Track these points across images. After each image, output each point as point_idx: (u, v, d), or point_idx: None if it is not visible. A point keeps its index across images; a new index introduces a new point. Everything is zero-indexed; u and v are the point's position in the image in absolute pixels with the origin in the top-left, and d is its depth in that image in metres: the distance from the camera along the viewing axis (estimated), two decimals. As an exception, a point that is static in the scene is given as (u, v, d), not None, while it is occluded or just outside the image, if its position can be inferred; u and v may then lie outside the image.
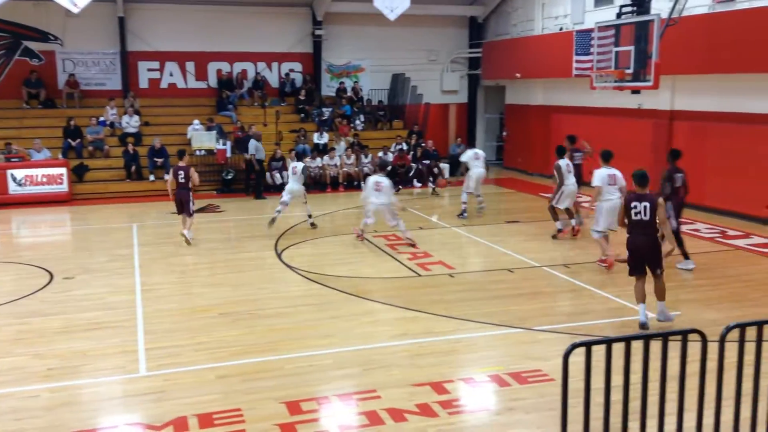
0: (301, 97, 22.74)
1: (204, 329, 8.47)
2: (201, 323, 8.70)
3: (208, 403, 6.39)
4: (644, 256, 8.26)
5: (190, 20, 22.50)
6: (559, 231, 13.29)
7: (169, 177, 13.54)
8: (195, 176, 13.18)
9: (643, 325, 8.16)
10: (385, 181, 12.80)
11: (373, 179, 12.96)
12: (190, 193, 13.15)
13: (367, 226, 13.09)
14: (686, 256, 10.93)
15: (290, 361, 7.42)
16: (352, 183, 20.27)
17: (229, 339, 8.13)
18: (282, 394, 6.55)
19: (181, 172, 13.08)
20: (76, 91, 21.38)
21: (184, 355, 7.66)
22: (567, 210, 13.24)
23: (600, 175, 10.88)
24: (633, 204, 8.18)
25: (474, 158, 15.45)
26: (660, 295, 8.31)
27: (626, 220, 8.31)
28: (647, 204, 8.08)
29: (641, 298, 8.29)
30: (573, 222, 13.31)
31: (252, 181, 19.12)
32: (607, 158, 11.13)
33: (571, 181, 12.90)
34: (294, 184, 14.41)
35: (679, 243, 10.55)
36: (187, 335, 8.27)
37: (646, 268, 8.31)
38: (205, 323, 8.70)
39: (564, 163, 12.97)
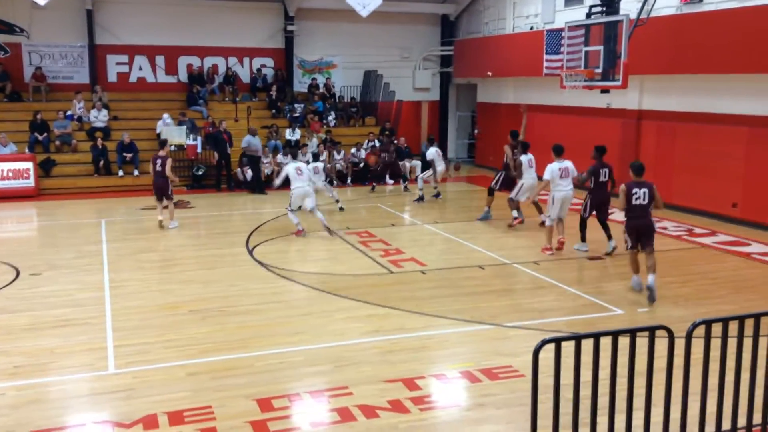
0: (272, 93, 22.58)
1: (173, 326, 8.39)
2: (170, 320, 8.61)
3: (178, 401, 6.33)
4: (641, 235, 9.42)
5: (160, 14, 22.22)
6: (515, 219, 13.98)
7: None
8: (168, 167, 13.83)
9: (638, 286, 9.59)
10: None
11: (301, 165, 13.62)
12: (168, 181, 13.90)
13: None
14: (583, 239, 12.02)
15: (261, 359, 7.39)
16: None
17: (199, 336, 8.06)
18: (253, 392, 6.52)
19: (159, 161, 13.84)
20: (42, 84, 20.98)
21: (154, 352, 7.58)
22: (514, 202, 14.03)
23: (551, 169, 11.66)
24: (634, 190, 9.32)
25: (437, 156, 17.04)
26: (652, 269, 9.25)
27: (626, 205, 9.36)
28: (646, 190, 9.32)
29: (636, 270, 9.63)
30: (515, 214, 14.02)
31: (224, 177, 19.13)
32: (559, 152, 11.85)
33: (531, 175, 13.61)
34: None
35: (582, 227, 11.91)
36: (156, 332, 8.18)
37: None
38: (175, 320, 8.61)
39: (526, 158, 13.64)
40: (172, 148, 19.71)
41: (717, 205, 14.80)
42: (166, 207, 14.07)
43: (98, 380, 6.86)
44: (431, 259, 11.72)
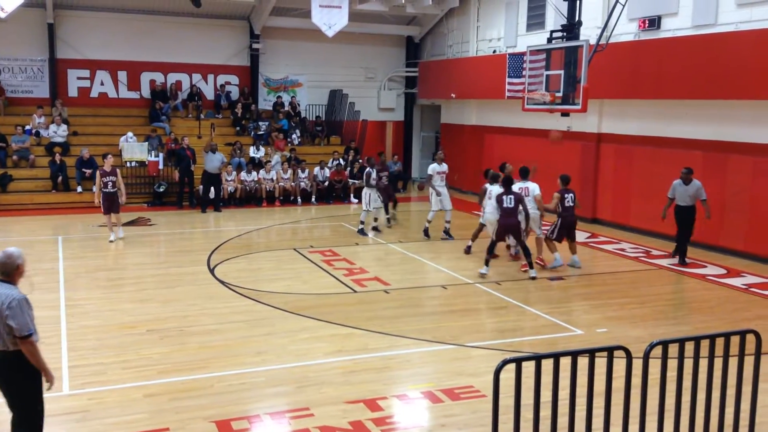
0: (237, 111, 22.48)
1: (131, 346, 8.23)
2: (128, 340, 8.45)
3: (134, 423, 6.20)
4: (571, 228, 12.35)
5: (123, 29, 22.01)
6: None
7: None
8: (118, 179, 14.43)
9: (560, 263, 12.24)
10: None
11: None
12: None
13: None
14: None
15: (221, 379, 7.28)
16: (288, 198, 20.18)
17: (158, 356, 7.92)
18: (212, 413, 6.42)
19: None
20: (1, 98, 20.56)
21: (110, 373, 7.42)
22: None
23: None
24: (565, 196, 12.23)
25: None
26: (574, 251, 12.55)
27: (559, 208, 12.14)
28: (573, 194, 12.33)
29: (555, 249, 12.25)
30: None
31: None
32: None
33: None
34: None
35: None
36: (112, 353, 8.02)
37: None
38: (133, 340, 8.45)
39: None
40: (133, 164, 19.51)
41: (673, 227, 15.08)
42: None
43: (52, 402, 6.65)
44: (395, 279, 11.72)
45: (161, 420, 6.27)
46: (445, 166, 15.39)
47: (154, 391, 6.95)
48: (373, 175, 15.39)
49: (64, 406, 6.56)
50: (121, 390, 6.97)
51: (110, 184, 14.11)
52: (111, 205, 14.18)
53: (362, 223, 15.66)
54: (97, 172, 14.41)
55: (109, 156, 14.74)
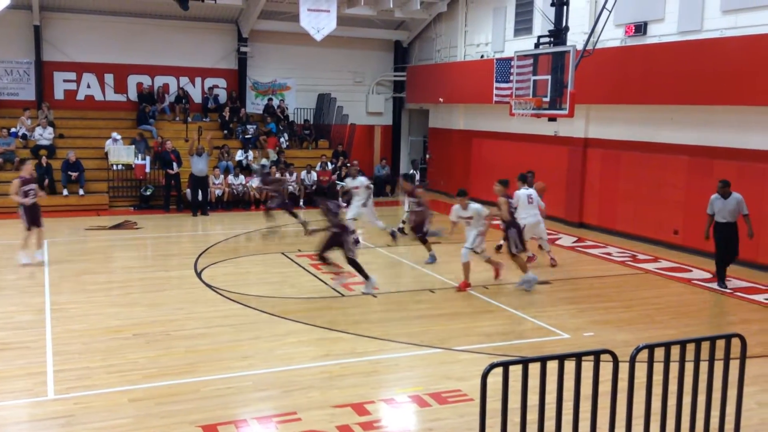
0: (225, 114, 22.40)
1: (117, 350, 8.17)
2: (113, 344, 8.39)
3: (119, 428, 6.15)
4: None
5: (110, 31, 21.91)
6: None
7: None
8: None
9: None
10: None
11: (532, 192, 12.98)
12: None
13: None
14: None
15: (208, 384, 7.24)
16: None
17: (144, 361, 7.87)
18: (198, 418, 6.38)
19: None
20: (-14, 100, 20.44)
21: (95, 377, 7.37)
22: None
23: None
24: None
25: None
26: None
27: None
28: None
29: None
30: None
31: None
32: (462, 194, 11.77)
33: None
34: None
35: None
36: (98, 357, 7.96)
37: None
38: (118, 344, 8.39)
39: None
40: (119, 167, 19.39)
41: (659, 231, 15.21)
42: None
43: (37, 406, 6.63)
44: (382, 283, 11.68)
45: (147, 425, 6.22)
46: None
47: (140, 395, 6.90)
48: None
49: (49, 411, 6.50)
50: (107, 394, 6.92)
51: (32, 192, 12.45)
52: (35, 217, 12.52)
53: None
54: (16, 180, 12.46)
55: (28, 162, 13.12)
